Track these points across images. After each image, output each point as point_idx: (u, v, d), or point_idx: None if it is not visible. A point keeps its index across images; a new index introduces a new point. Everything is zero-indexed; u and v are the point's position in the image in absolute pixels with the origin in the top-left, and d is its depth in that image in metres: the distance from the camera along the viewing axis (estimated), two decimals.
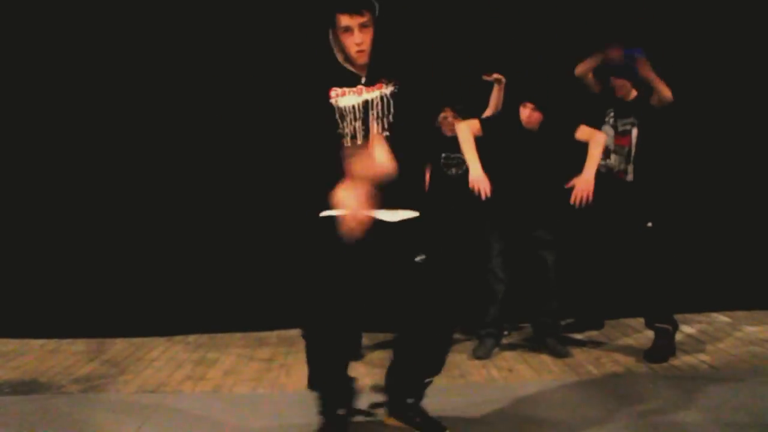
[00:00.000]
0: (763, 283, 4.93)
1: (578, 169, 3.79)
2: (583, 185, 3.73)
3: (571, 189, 3.76)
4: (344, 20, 2.63)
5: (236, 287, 4.64)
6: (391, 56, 2.75)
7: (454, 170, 4.24)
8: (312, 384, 2.82)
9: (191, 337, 4.56)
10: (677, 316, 4.05)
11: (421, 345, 2.78)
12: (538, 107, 3.86)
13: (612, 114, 4.05)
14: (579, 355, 4.01)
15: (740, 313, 4.82)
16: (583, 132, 3.87)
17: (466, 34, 4.27)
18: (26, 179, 4.61)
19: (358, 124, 2.72)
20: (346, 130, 2.73)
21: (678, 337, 4.02)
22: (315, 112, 2.75)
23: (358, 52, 2.67)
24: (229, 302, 4.65)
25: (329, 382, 2.80)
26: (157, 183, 4.62)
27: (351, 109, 2.72)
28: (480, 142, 3.87)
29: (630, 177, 4.00)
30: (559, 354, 3.97)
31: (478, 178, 3.72)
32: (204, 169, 4.64)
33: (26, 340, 4.48)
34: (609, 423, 2.98)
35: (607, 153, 4.03)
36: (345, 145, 2.72)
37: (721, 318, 4.75)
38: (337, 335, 2.68)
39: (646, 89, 3.94)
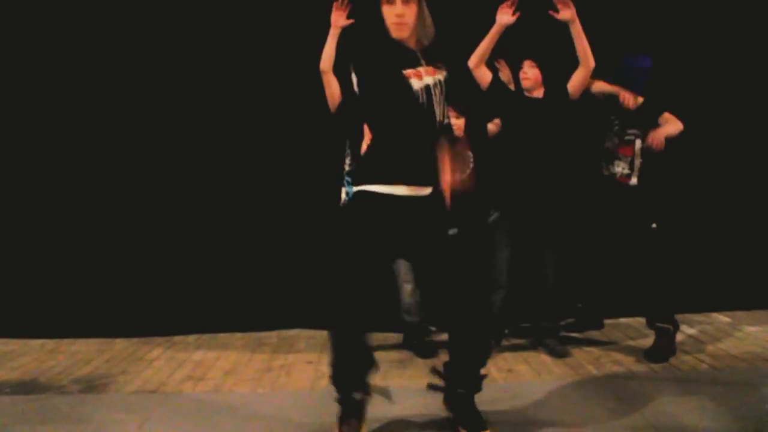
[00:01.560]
0: (763, 283, 4.93)
1: (583, 165, 3.84)
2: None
3: (570, 188, 3.80)
4: None
5: (236, 287, 4.64)
6: (447, 40, 2.79)
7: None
8: (333, 370, 2.91)
9: (191, 337, 4.56)
10: (678, 316, 4.05)
11: (464, 325, 2.83)
12: (536, 63, 3.89)
13: (617, 122, 4.05)
14: (579, 355, 4.01)
15: (740, 313, 4.82)
16: (577, 72, 3.87)
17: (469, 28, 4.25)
18: (26, 179, 4.61)
19: (436, 107, 2.76)
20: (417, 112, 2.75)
21: (678, 337, 4.02)
22: (398, 96, 2.73)
23: (397, 24, 2.68)
24: (229, 302, 4.65)
25: (351, 364, 2.87)
26: (158, 183, 4.62)
27: (417, 93, 2.73)
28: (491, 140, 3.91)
29: (634, 181, 4.01)
30: (559, 354, 3.98)
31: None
32: (204, 170, 4.63)
33: (26, 340, 4.48)
34: (609, 423, 2.98)
35: (611, 159, 4.04)
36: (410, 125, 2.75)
37: (721, 318, 4.75)
38: (363, 316, 2.79)
39: (650, 100, 3.93)
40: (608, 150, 4.07)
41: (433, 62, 2.79)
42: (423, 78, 2.74)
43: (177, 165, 4.62)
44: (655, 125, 3.94)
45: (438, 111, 2.78)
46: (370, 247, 2.75)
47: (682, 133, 3.95)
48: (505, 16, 3.73)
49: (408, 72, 2.73)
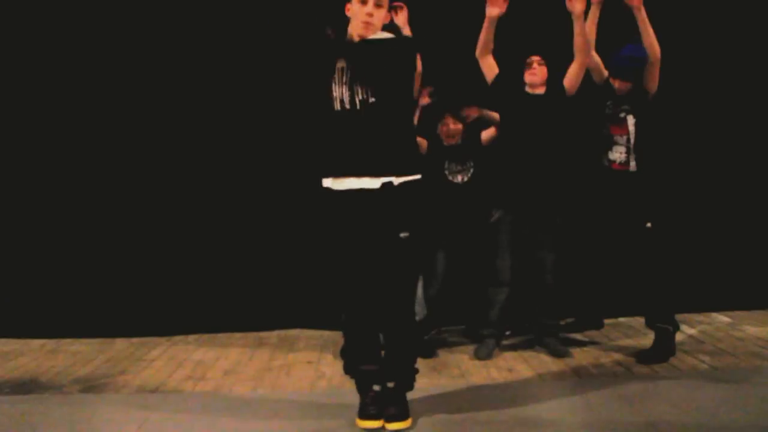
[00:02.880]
0: (763, 283, 4.93)
1: (583, 160, 3.88)
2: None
3: (570, 185, 3.80)
4: None
5: (237, 287, 4.64)
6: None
7: (459, 177, 4.14)
8: (348, 368, 3.09)
9: (191, 337, 4.56)
10: (678, 316, 4.05)
11: (390, 325, 3.00)
12: (544, 60, 3.88)
13: (610, 104, 4.03)
14: (579, 355, 4.01)
15: (740, 313, 4.82)
16: (572, 67, 3.89)
17: (465, 34, 4.23)
18: (26, 179, 4.61)
19: (344, 89, 2.90)
20: (335, 95, 2.91)
21: (678, 337, 4.02)
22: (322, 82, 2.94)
23: (365, 23, 2.85)
24: (229, 302, 4.65)
25: (364, 362, 3.03)
26: (158, 182, 4.62)
27: (338, 71, 2.91)
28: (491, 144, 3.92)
29: (633, 167, 3.99)
30: (559, 354, 3.97)
31: None
32: (204, 170, 4.63)
33: (26, 340, 4.48)
34: (609, 423, 2.98)
35: (609, 145, 4.01)
36: (335, 109, 2.93)
37: (721, 318, 4.75)
38: (370, 315, 2.97)
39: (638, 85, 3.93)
40: (605, 136, 4.04)
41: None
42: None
43: (177, 165, 4.62)
44: (642, 105, 3.94)
45: (360, 91, 2.89)
46: (342, 243, 2.96)
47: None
48: (494, 9, 3.72)
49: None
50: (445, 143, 4.16)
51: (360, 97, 2.89)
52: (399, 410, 2.98)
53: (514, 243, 3.97)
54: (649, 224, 3.91)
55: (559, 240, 4.02)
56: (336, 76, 2.90)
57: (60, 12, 4.53)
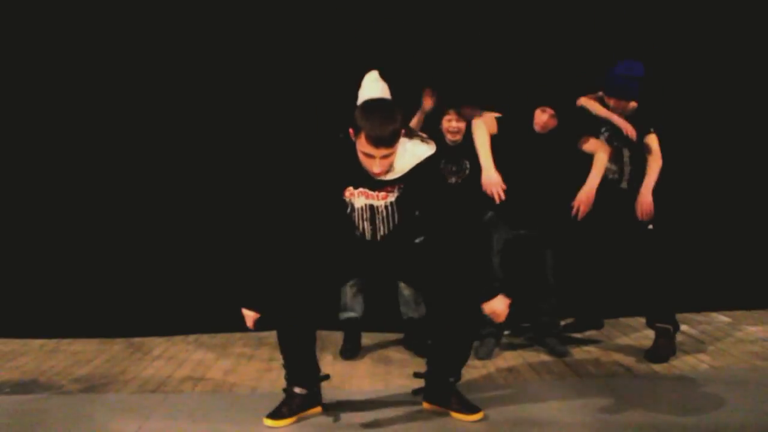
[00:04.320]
0: (763, 283, 4.93)
1: (583, 175, 3.83)
2: (584, 196, 3.78)
3: (574, 195, 3.78)
4: (369, 148, 2.68)
5: (236, 287, 4.62)
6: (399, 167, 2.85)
7: (454, 179, 4.10)
8: (284, 365, 3.10)
9: (191, 337, 4.56)
10: (678, 316, 4.05)
11: (445, 318, 2.98)
12: (557, 114, 3.78)
13: (605, 132, 4.00)
14: (579, 355, 4.01)
15: (740, 313, 4.83)
16: (590, 144, 3.86)
17: (475, 37, 4.23)
18: (26, 179, 4.61)
19: (366, 224, 2.91)
20: (357, 223, 2.92)
21: (678, 337, 4.02)
22: (330, 207, 2.91)
23: (375, 173, 2.75)
24: (229, 302, 4.64)
25: (295, 363, 3.06)
26: (158, 182, 4.62)
27: (360, 210, 2.90)
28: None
29: (624, 185, 4.01)
30: (559, 354, 3.98)
31: (491, 181, 3.65)
32: (204, 170, 4.63)
33: (26, 340, 4.47)
34: (609, 423, 2.98)
35: None
36: (357, 233, 2.95)
37: (721, 318, 4.76)
38: (303, 327, 3.00)
39: (643, 105, 3.92)
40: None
41: (384, 185, 2.86)
42: (369, 198, 2.87)
43: (177, 165, 4.62)
44: (641, 145, 3.94)
45: (382, 227, 2.91)
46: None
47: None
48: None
49: (355, 191, 2.87)
50: (447, 139, 4.04)
51: (382, 232, 2.92)
52: (469, 402, 3.06)
53: (507, 240, 3.95)
54: (650, 226, 3.91)
55: (558, 239, 4.01)
56: (356, 213, 2.89)
57: (60, 12, 4.53)
